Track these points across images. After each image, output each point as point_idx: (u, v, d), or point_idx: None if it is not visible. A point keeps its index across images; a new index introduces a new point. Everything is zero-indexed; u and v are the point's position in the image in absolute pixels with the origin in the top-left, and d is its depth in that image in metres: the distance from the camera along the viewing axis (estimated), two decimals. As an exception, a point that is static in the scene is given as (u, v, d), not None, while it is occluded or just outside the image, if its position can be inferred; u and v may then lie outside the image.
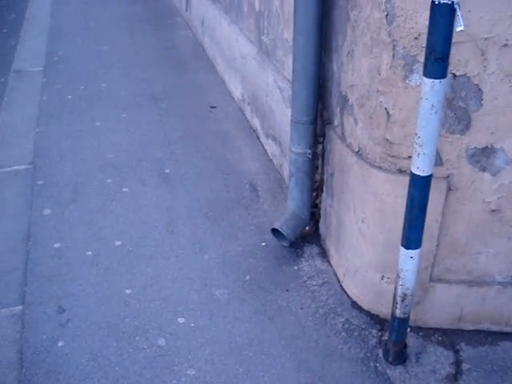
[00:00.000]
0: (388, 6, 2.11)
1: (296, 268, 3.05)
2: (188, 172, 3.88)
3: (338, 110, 2.67)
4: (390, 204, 2.43)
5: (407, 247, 2.19)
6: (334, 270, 3.03)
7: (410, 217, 2.13)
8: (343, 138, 2.65)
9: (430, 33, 1.76)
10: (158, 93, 5.12)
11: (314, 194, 3.27)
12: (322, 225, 3.19)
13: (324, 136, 2.95)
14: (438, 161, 2.29)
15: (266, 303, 2.84)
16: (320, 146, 3.02)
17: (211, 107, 4.78)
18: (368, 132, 2.40)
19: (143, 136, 4.36)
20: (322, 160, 3.03)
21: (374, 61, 2.25)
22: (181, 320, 2.75)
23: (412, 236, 2.17)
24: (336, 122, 2.73)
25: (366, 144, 2.44)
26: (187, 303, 2.86)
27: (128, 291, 2.94)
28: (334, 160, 2.81)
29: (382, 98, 2.26)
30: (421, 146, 1.94)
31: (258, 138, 4.27)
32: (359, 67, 2.38)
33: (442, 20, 1.73)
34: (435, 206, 2.34)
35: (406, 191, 2.16)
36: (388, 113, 2.27)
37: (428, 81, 1.82)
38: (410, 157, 2.27)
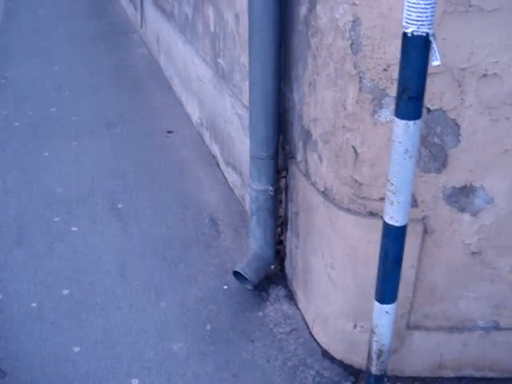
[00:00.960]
0: (353, 33, 1.88)
1: (261, 314, 2.79)
2: (142, 206, 3.59)
3: (301, 144, 2.43)
4: (361, 249, 2.20)
5: (382, 301, 1.96)
6: (302, 314, 2.78)
7: (384, 269, 1.90)
8: (307, 176, 2.41)
9: (402, 68, 1.53)
10: (111, 117, 4.82)
11: (279, 229, 3.03)
12: (287, 264, 2.94)
13: (287, 170, 2.70)
14: (413, 202, 2.06)
15: (229, 357, 2.57)
16: (283, 180, 2.78)
17: (168, 132, 4.51)
18: (334, 171, 2.16)
19: (94, 166, 4.05)
20: (286, 195, 2.79)
21: (339, 94, 2.02)
22: (135, 382, 2.47)
23: (387, 290, 1.94)
24: (299, 158, 2.48)
25: (333, 184, 2.20)
26: (142, 361, 2.57)
27: (76, 349, 2.64)
28: (298, 198, 2.57)
29: (349, 134, 2.03)
30: (394, 193, 1.71)
31: (218, 165, 4.01)
32: (322, 100, 2.14)
33: (416, 54, 1.50)
34: (411, 251, 2.12)
35: (379, 236, 1.94)
36: (356, 151, 2.04)
37: (401, 122, 1.59)
38: (381, 198, 2.05)
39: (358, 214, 2.16)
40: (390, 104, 1.91)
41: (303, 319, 2.75)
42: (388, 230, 1.81)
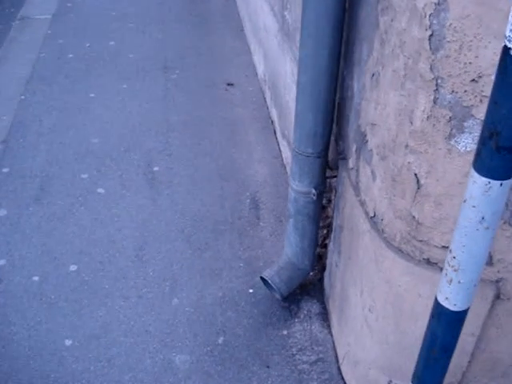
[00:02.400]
0: (435, 21, 1.27)
1: (285, 333, 2.33)
2: (180, 173, 3.15)
3: (354, 148, 1.87)
4: (409, 302, 1.66)
5: (421, 390, 1.44)
6: (333, 341, 2.30)
7: (427, 356, 1.38)
8: (357, 190, 1.86)
9: (493, 102, 0.95)
10: (171, 59, 4.34)
11: (324, 231, 2.51)
12: (326, 277, 2.44)
13: (338, 169, 2.15)
14: (488, 259, 1.49)
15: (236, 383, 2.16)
16: (333, 180, 2.24)
17: (228, 84, 3.99)
18: (388, 197, 1.61)
19: (140, 116, 3.63)
20: (335, 196, 2.25)
21: (406, 100, 1.43)
22: (122, 396, 2.10)
23: (428, 380, 1.41)
24: (351, 164, 1.93)
25: (385, 212, 1.65)
26: (136, 371, 2.21)
27: (68, 342, 2.31)
28: (344, 211, 2.03)
29: (412, 157, 1.46)
30: (456, 270, 1.16)
31: (275, 132, 3.48)
32: (385, 102, 1.56)
33: None
34: (474, 317, 1.57)
35: (432, 290, 1.43)
36: (418, 181, 1.47)
37: (480, 180, 1.03)
38: (445, 247, 1.49)
39: (412, 259, 1.61)
40: (474, 129, 1.31)
41: (333, 348, 2.28)
42: (440, 311, 1.27)
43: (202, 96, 3.88)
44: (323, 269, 2.54)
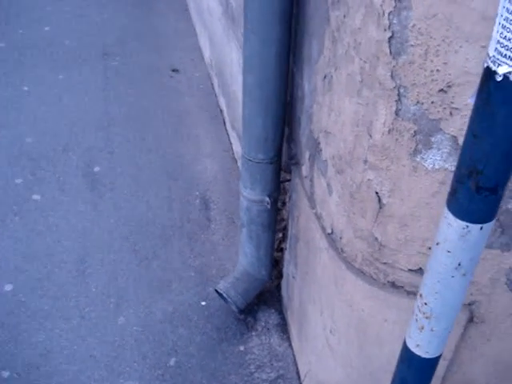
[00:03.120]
0: (395, 21, 1.08)
1: (242, 349, 2.16)
2: (123, 173, 2.91)
3: (308, 155, 1.68)
4: (374, 326, 1.50)
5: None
6: (294, 355, 2.14)
7: (399, 400, 1.21)
8: (312, 201, 1.68)
9: (471, 134, 0.77)
10: (111, 44, 4.04)
11: (280, 234, 2.33)
12: (284, 286, 2.27)
13: (291, 172, 1.97)
14: (459, 283, 1.32)
15: (190, 411, 1.98)
16: (287, 183, 2.05)
17: (173, 70, 3.73)
18: (347, 215, 1.43)
19: (78, 110, 3.35)
20: (289, 199, 2.07)
21: (363, 110, 1.25)
22: (65, 434, 1.90)
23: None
24: (304, 171, 1.74)
25: (343, 230, 1.47)
26: (80, 404, 1.99)
27: (5, 374, 2.08)
28: (299, 221, 1.85)
29: (372, 174, 1.28)
30: (428, 318, 1.00)
31: (224, 123, 3.26)
32: (339, 109, 1.37)
33: (506, 114, 0.73)
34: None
35: (401, 316, 1.32)
36: (380, 200, 1.29)
37: (457, 223, 0.85)
38: (411, 270, 1.33)
39: (375, 281, 1.45)
40: (443, 144, 1.14)
41: (294, 363, 2.12)
42: (410, 357, 1.11)
43: (145, 84, 3.62)
44: (280, 275, 2.37)
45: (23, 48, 4.00)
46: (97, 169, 2.95)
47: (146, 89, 3.56)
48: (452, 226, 0.87)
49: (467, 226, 0.86)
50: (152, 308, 2.29)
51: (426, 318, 1.02)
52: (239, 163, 2.98)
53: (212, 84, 3.60)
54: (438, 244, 0.92)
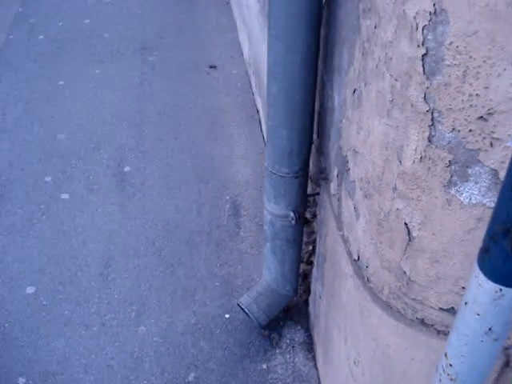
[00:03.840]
0: (429, 37, 0.95)
1: (265, 367, 2.06)
2: (153, 174, 2.84)
3: (336, 172, 1.55)
4: (400, 364, 1.37)
5: None
6: (319, 377, 2.02)
7: None
8: (339, 222, 1.55)
9: (510, 187, 0.63)
10: (150, 38, 3.98)
11: (310, 247, 2.22)
12: (311, 302, 2.15)
13: (320, 187, 1.84)
14: (496, 326, 1.18)
15: (207, 431, 1.89)
16: (317, 197, 1.93)
17: (210, 67, 3.64)
18: (374, 243, 1.30)
19: (112, 106, 3.30)
20: (319, 212, 1.95)
21: (394, 133, 1.11)
22: None
23: None
24: (332, 189, 1.61)
25: (370, 259, 1.34)
26: (95, 417, 1.93)
27: (21, 381, 2.04)
28: (326, 240, 1.73)
29: (402, 204, 1.14)
30: (453, 380, 0.88)
31: (260, 123, 3.15)
32: (368, 128, 1.24)
33: None
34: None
35: (430, 356, 1.18)
36: (409, 232, 1.16)
37: (489, 285, 0.72)
38: (442, 309, 1.19)
39: (402, 317, 1.31)
40: (482, 178, 1.00)
41: (319, 386, 2.00)
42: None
43: (182, 81, 3.53)
44: (309, 289, 2.25)
45: (62, 41, 3.97)
46: (127, 168, 2.88)
47: (182, 85, 3.47)
48: (483, 288, 0.74)
49: (501, 290, 0.73)
50: (174, 318, 2.22)
51: (451, 379, 0.89)
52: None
53: (250, 82, 3.48)
54: (466, 304, 0.79)
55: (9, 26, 4.18)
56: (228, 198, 2.72)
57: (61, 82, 3.53)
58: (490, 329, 0.78)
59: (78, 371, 2.07)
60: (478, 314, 0.77)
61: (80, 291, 2.32)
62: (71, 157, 2.96)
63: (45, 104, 3.34)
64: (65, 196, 2.74)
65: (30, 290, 2.34)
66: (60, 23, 4.19)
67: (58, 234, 2.56)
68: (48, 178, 2.83)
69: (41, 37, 4.03)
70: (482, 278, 0.74)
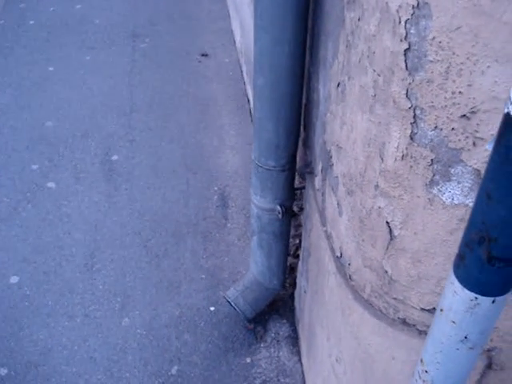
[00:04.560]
0: (412, 31, 0.91)
1: (249, 361, 2.04)
2: (141, 163, 2.80)
3: (320, 166, 1.52)
4: (381, 363, 1.35)
5: None
6: (303, 372, 2.00)
7: None
8: (323, 217, 1.53)
9: (486, 195, 0.60)
10: (142, 25, 3.92)
11: (297, 240, 2.19)
12: (297, 297, 2.13)
13: (305, 181, 1.81)
14: (478, 328, 1.15)
15: (189, 425, 1.88)
16: (303, 191, 1.90)
17: (202, 55, 3.59)
18: (356, 241, 1.27)
19: (101, 94, 3.25)
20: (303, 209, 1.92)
21: (376, 129, 1.08)
22: None
23: None
24: (317, 183, 1.58)
25: (352, 257, 1.32)
26: (76, 409, 1.91)
27: (3, 371, 2.02)
28: (311, 235, 1.70)
29: (383, 202, 1.11)
30: (431, 388, 0.84)
31: (251, 113, 3.10)
32: (351, 123, 1.20)
33: None
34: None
35: (411, 356, 1.16)
36: (391, 231, 1.13)
37: (465, 294, 0.69)
38: (423, 309, 1.16)
39: (384, 316, 1.29)
40: (464, 178, 0.97)
41: (303, 381, 1.98)
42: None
43: (173, 69, 3.48)
44: (295, 282, 2.22)
45: (52, 26, 3.91)
46: (115, 157, 2.85)
47: (173, 73, 3.43)
48: (458, 295, 0.71)
49: (476, 298, 0.70)
50: (158, 310, 2.19)
51: (428, 387, 0.86)
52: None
53: (241, 71, 3.44)
54: (441, 311, 0.76)
55: (-1, 11, 4.11)
56: (216, 188, 2.69)
57: (50, 69, 3.48)
58: (465, 337, 0.75)
59: (60, 363, 2.05)
60: (454, 322, 0.75)
61: (64, 281, 2.29)
62: (59, 145, 2.92)
63: (34, 90, 3.29)
64: (51, 184, 2.70)
65: (14, 279, 2.31)
66: (51, 8, 4.13)
67: (43, 223, 2.52)
68: (35, 166, 2.79)
69: (31, 22, 3.96)
70: (457, 285, 0.71)
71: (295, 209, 2.11)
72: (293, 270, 2.24)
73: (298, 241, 2.22)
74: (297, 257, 2.25)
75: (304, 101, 1.67)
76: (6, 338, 2.12)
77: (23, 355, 2.07)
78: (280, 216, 1.78)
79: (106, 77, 3.40)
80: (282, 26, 1.37)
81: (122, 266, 2.34)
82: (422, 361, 0.86)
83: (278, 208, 1.77)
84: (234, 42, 3.72)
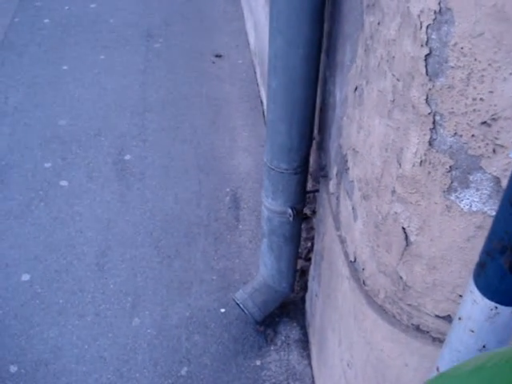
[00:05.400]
0: (433, 36, 0.91)
1: (259, 363, 2.04)
2: (154, 163, 2.81)
3: (335, 170, 1.51)
4: (394, 369, 1.34)
5: None
6: (313, 376, 1.99)
7: None
8: (337, 222, 1.52)
9: (509, 202, 0.59)
10: (156, 25, 3.93)
11: (309, 244, 2.19)
12: (308, 300, 2.12)
13: (319, 184, 1.80)
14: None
15: (198, 427, 1.87)
16: (316, 194, 1.89)
17: (216, 56, 3.59)
18: (371, 246, 1.26)
19: (115, 93, 3.26)
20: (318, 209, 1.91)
21: (394, 134, 1.07)
22: None
23: None
24: (331, 187, 1.58)
25: (366, 262, 1.31)
26: (85, 408, 1.92)
27: (13, 369, 2.03)
28: (324, 238, 1.69)
29: (400, 207, 1.10)
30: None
31: (264, 115, 3.10)
32: (369, 128, 1.20)
33: None
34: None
35: (424, 363, 1.17)
36: (407, 237, 1.12)
37: (484, 302, 0.68)
38: (438, 316, 1.16)
39: (397, 322, 1.28)
40: (483, 185, 0.96)
41: (313, 384, 1.97)
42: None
43: (186, 69, 3.49)
44: (306, 286, 2.22)
45: (67, 25, 3.93)
46: (127, 157, 2.85)
47: (187, 74, 3.43)
48: (478, 304, 0.71)
49: (496, 308, 0.69)
50: (169, 311, 2.19)
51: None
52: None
53: (255, 72, 3.44)
54: (459, 319, 0.75)
55: (14, 9, 4.14)
56: (228, 190, 2.69)
57: (64, 67, 3.49)
58: (484, 346, 0.74)
59: (70, 361, 2.05)
60: (472, 331, 0.74)
61: (75, 280, 2.30)
62: (72, 143, 2.93)
63: (47, 89, 3.31)
64: (64, 183, 2.71)
65: (25, 277, 2.32)
66: (66, 7, 4.15)
67: (55, 222, 2.53)
68: (47, 164, 2.81)
69: (46, 20, 3.98)
70: (477, 294, 0.70)
71: (308, 212, 2.10)
72: (304, 273, 2.23)
73: (309, 244, 2.22)
74: (308, 260, 2.24)
75: (319, 104, 1.66)
76: (17, 336, 2.13)
77: (33, 353, 2.08)
78: (291, 219, 1.78)
79: (120, 76, 3.41)
80: (297, 28, 1.36)
81: (133, 266, 2.35)
82: (437, 369, 0.85)
83: (289, 211, 1.76)
84: (248, 43, 3.72)
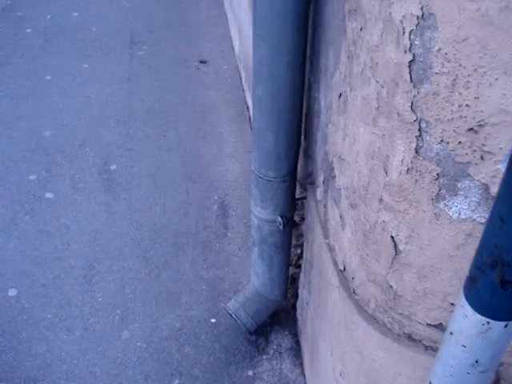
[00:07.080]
0: (417, 42, 0.89)
1: (251, 374, 2.01)
2: (140, 172, 2.77)
3: (322, 178, 1.49)
4: (386, 379, 1.32)
5: None
6: (306, 384, 1.97)
7: None
8: (325, 230, 1.50)
9: (499, 217, 0.57)
10: (139, 32, 3.90)
11: (299, 250, 2.17)
12: (299, 308, 2.10)
13: (307, 191, 1.78)
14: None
15: None
16: (304, 201, 1.87)
17: (201, 62, 3.56)
18: (360, 255, 1.24)
19: (99, 102, 3.22)
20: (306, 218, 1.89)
21: (380, 142, 1.05)
22: None
23: None
24: (319, 195, 1.56)
25: (356, 271, 1.29)
26: (75, 426, 1.88)
27: (1, 387, 1.97)
28: (313, 247, 1.67)
29: (388, 216, 1.08)
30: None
31: (250, 120, 3.08)
32: (354, 135, 1.18)
33: None
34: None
35: (416, 372, 1.15)
36: (396, 246, 1.10)
37: (476, 318, 0.66)
38: (430, 325, 1.14)
39: (389, 331, 1.26)
40: (472, 192, 0.94)
41: (306, 393, 1.95)
42: None
43: (171, 77, 3.46)
44: (297, 293, 2.19)
45: (49, 34, 3.89)
46: (113, 167, 2.82)
47: (171, 81, 3.40)
48: (469, 319, 0.68)
49: (488, 323, 0.67)
50: (158, 323, 2.16)
51: (437, 413, 0.83)
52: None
53: (240, 78, 3.41)
54: (451, 334, 0.73)
55: (-5, 19, 4.09)
56: (216, 197, 2.66)
57: (48, 77, 3.45)
58: (476, 361, 0.72)
59: (59, 377, 2.02)
60: (464, 346, 0.72)
61: (63, 294, 2.26)
62: (56, 154, 2.89)
63: (31, 99, 3.27)
64: (49, 195, 2.67)
65: (12, 292, 2.28)
66: (48, 16, 4.11)
67: (41, 235, 2.49)
68: (32, 177, 2.77)
69: (28, 30, 3.94)
70: (468, 308, 0.68)
71: (296, 219, 2.08)
72: (294, 280, 2.21)
73: (299, 251, 2.20)
74: (298, 267, 2.22)
75: (304, 110, 1.64)
76: (5, 352, 2.09)
77: (22, 370, 2.04)
78: (281, 227, 1.75)
79: (104, 85, 3.38)
80: (281, 35, 1.34)
81: (121, 278, 2.31)
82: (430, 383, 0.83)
83: (279, 219, 1.74)
84: (233, 48, 3.70)
